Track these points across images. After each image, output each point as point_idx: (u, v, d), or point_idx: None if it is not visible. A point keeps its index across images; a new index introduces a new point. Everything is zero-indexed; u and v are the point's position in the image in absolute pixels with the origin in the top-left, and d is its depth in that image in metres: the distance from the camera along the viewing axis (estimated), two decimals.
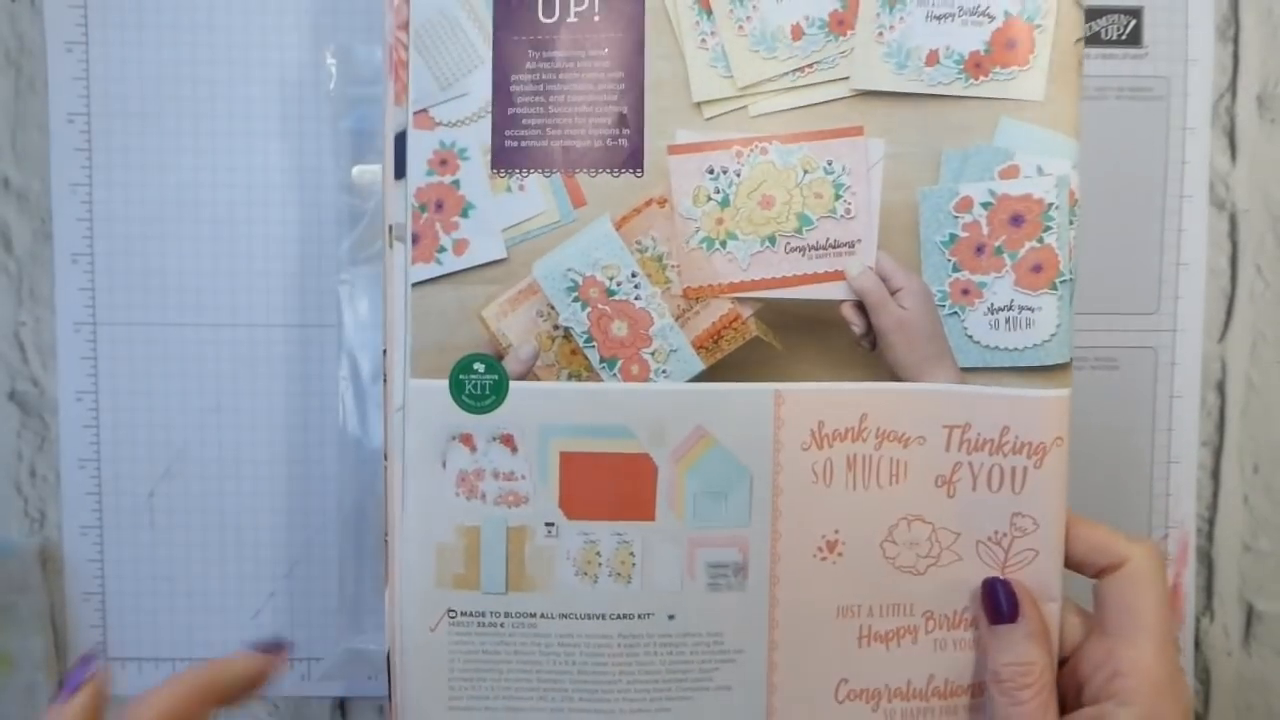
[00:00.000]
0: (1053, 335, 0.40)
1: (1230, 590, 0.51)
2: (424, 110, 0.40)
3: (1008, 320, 0.41)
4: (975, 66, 0.40)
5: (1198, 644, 0.51)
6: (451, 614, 0.41)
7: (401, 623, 0.41)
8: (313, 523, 0.50)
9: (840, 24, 0.40)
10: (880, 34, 0.40)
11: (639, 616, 0.41)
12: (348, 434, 0.48)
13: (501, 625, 0.41)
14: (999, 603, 0.40)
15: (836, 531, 0.41)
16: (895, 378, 0.41)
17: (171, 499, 0.49)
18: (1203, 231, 0.49)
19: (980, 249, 0.41)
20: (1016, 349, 0.41)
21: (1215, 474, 0.51)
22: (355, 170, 0.47)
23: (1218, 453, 0.51)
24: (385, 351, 0.41)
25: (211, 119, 0.48)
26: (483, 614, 0.41)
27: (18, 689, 0.48)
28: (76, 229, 0.49)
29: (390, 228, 0.41)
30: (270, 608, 0.50)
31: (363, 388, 0.48)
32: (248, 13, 0.48)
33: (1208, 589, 0.51)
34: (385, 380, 0.41)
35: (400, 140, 0.41)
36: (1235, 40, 0.49)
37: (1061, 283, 0.40)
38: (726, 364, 0.41)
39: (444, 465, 0.41)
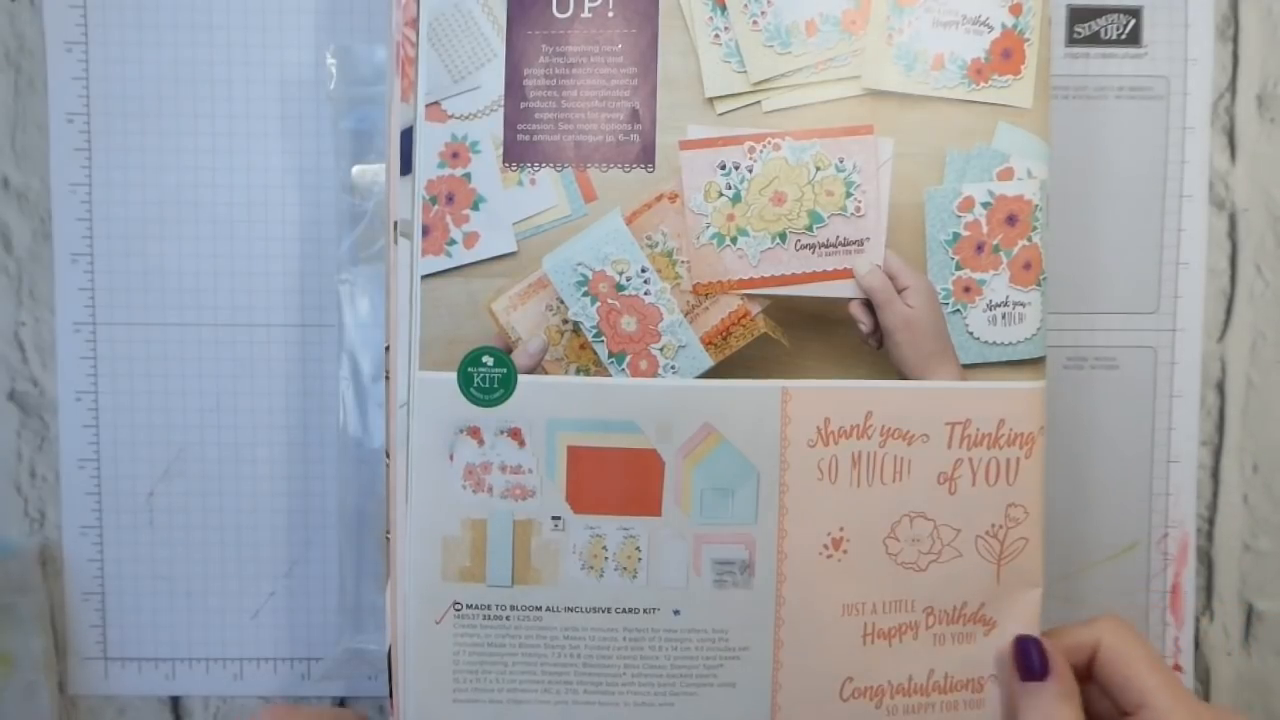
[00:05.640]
0: (1038, 330, 0.42)
1: (1230, 590, 0.51)
2: (436, 103, 0.41)
3: (1004, 316, 0.42)
4: (977, 72, 0.41)
5: (1198, 644, 0.51)
6: (457, 607, 0.41)
7: (405, 617, 0.41)
8: (313, 523, 0.50)
9: (853, 23, 0.41)
10: (890, 36, 0.41)
11: (644, 611, 0.42)
12: (348, 434, 0.48)
13: (507, 618, 0.42)
14: (1031, 660, 0.40)
15: (842, 529, 0.41)
16: (900, 376, 0.41)
17: (171, 499, 0.49)
18: (1202, 231, 0.49)
19: (980, 247, 0.42)
20: (1011, 343, 0.42)
21: (1215, 474, 0.51)
22: (355, 170, 0.47)
23: (1218, 452, 0.51)
24: (387, 348, 0.41)
25: (211, 119, 0.48)
26: (488, 606, 0.42)
27: (18, 689, 0.48)
28: (76, 229, 0.49)
29: (395, 224, 0.41)
30: (270, 608, 0.50)
31: (363, 387, 0.48)
32: (247, 13, 0.48)
33: (1208, 589, 0.51)
34: (387, 377, 0.41)
35: (406, 136, 0.41)
36: (1235, 40, 0.49)
37: (1043, 279, 0.42)
38: (734, 360, 0.41)
39: (451, 458, 0.41)
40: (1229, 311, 0.50)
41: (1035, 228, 0.41)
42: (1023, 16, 0.41)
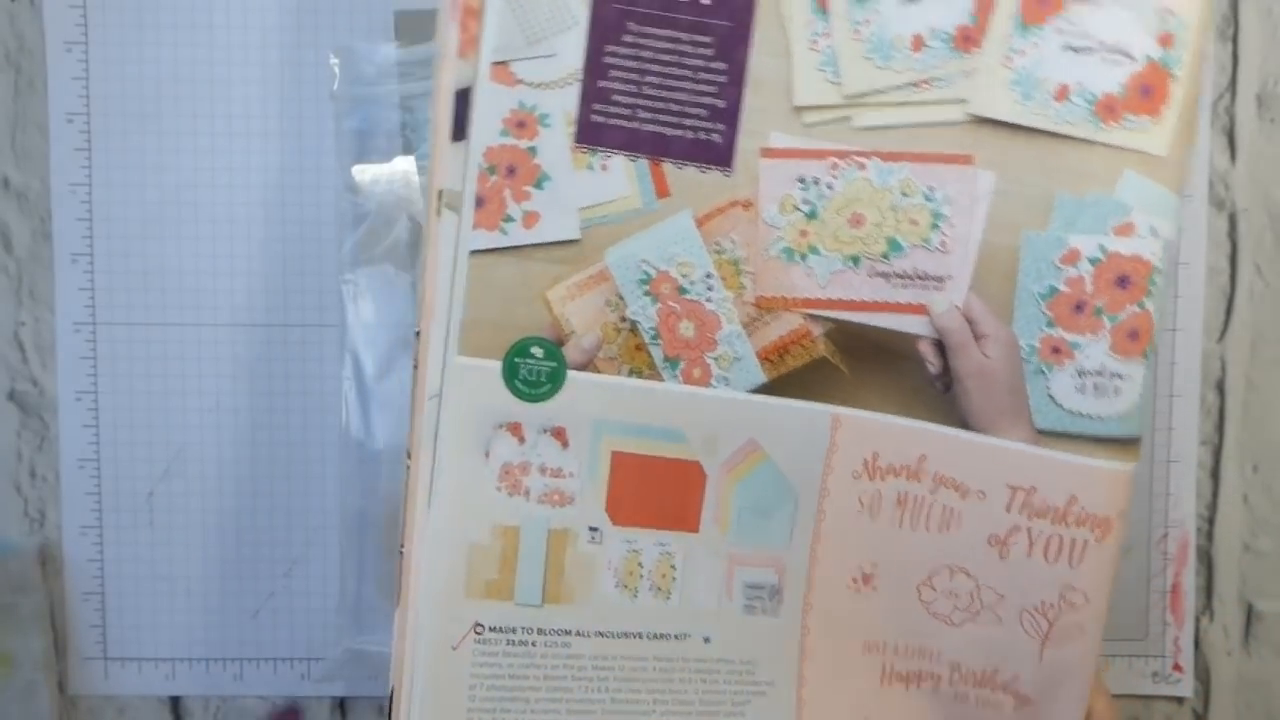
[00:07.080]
0: (1134, 406, 0.38)
1: (1230, 590, 0.51)
2: (504, 63, 0.37)
3: (1095, 386, 0.38)
4: (1107, 110, 0.37)
5: (1198, 644, 0.51)
6: (479, 629, 0.38)
7: (417, 639, 0.38)
8: (313, 523, 0.50)
9: (966, 40, 0.37)
10: (1009, 58, 0.37)
11: (675, 638, 0.39)
12: (349, 434, 0.48)
13: (533, 644, 0.38)
14: None
15: (874, 564, 0.40)
16: (965, 425, 0.39)
17: (171, 499, 0.49)
18: (1202, 231, 0.49)
19: (1080, 307, 0.38)
20: (1099, 417, 0.39)
21: (1215, 474, 0.51)
22: (356, 170, 0.47)
23: (1218, 452, 0.51)
24: (418, 333, 0.37)
25: (211, 119, 0.48)
26: (513, 630, 0.38)
27: (18, 689, 0.48)
28: (76, 229, 0.48)
29: (440, 194, 0.37)
30: (270, 608, 0.50)
31: (365, 388, 0.47)
32: (248, 12, 0.48)
33: (1208, 589, 0.51)
34: (416, 365, 0.37)
35: (462, 97, 0.37)
36: (1235, 40, 0.49)
37: (1150, 352, 0.38)
38: (788, 380, 0.39)
39: (487, 456, 0.38)
40: (1229, 311, 0.50)
41: (1150, 293, 0.37)
42: (1172, 49, 0.36)
